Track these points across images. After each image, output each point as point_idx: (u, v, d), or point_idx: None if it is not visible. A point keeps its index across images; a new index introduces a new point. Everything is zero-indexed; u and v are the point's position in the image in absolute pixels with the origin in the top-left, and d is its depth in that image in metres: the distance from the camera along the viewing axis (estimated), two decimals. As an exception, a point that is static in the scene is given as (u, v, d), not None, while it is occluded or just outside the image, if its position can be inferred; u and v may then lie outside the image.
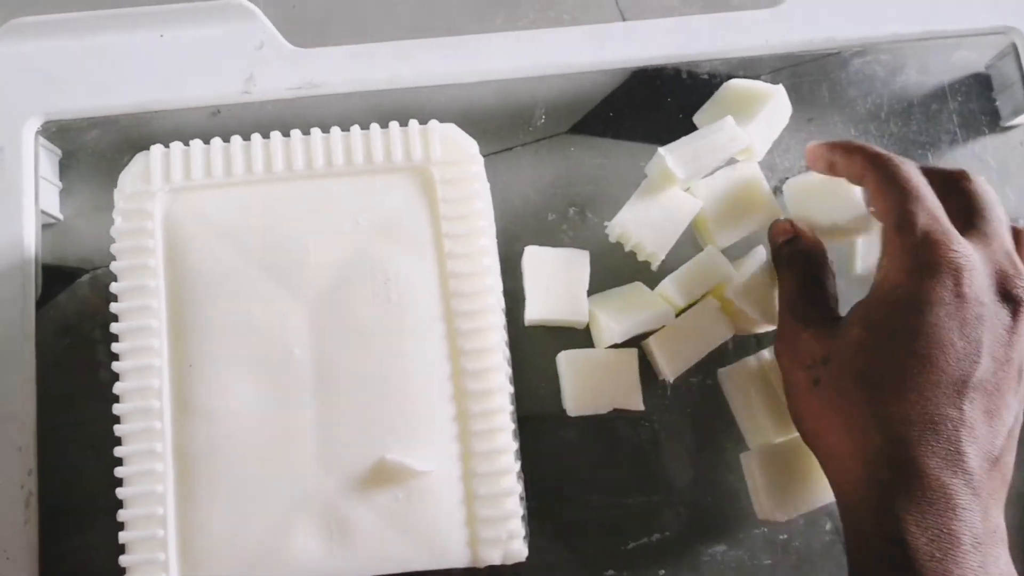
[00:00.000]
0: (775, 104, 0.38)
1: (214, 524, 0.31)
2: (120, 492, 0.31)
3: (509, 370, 0.34)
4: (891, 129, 0.41)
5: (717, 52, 0.40)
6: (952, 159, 0.41)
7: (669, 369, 0.36)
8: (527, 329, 0.38)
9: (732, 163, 0.38)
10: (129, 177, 0.33)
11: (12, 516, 0.35)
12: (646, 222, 0.37)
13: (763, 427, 0.35)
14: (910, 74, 0.41)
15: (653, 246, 0.37)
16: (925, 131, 0.41)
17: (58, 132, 0.40)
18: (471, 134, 0.35)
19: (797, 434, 0.34)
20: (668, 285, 0.36)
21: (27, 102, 0.39)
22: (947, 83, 0.42)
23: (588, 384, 0.36)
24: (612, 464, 0.37)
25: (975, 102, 0.41)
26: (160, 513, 0.31)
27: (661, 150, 0.37)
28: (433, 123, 0.34)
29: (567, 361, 0.36)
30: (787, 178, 0.40)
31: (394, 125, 0.34)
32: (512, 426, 0.33)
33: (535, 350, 0.38)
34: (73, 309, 0.39)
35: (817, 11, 0.40)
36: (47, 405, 0.37)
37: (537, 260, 0.37)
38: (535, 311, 0.36)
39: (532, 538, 0.35)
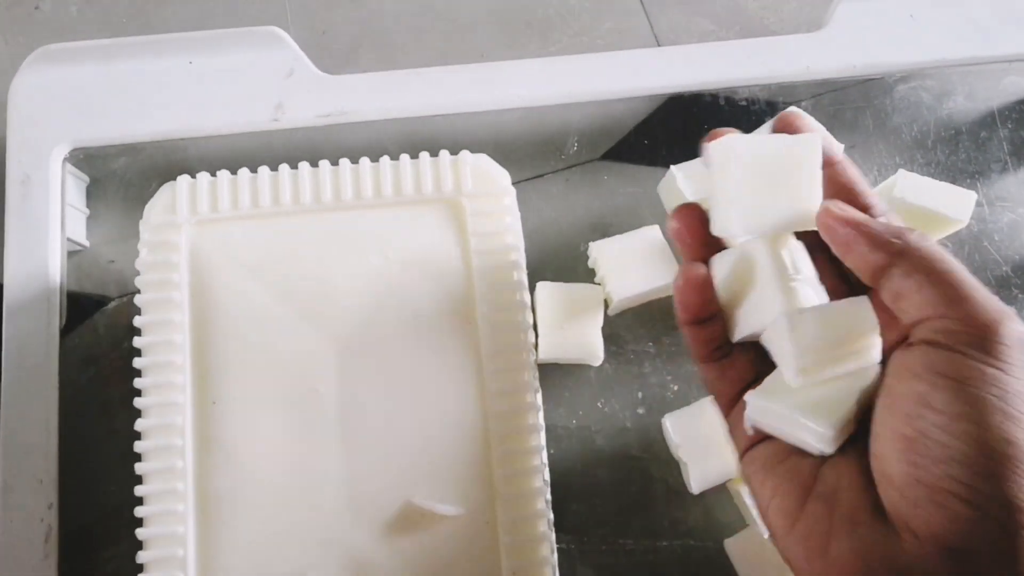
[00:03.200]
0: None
1: (236, 567, 0.30)
2: (140, 532, 0.30)
3: (540, 408, 0.33)
4: (938, 157, 0.39)
5: (756, 78, 0.39)
6: (1002, 188, 0.39)
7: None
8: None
9: None
10: (155, 208, 0.33)
11: (32, 551, 0.35)
12: (619, 260, 0.35)
13: None
14: (957, 100, 0.40)
15: (610, 286, 0.35)
16: (974, 159, 0.39)
17: (86, 159, 0.40)
18: (502, 161, 0.34)
19: None
20: None
21: (55, 129, 0.39)
22: (996, 109, 0.40)
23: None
24: (645, 506, 0.36)
25: (1027, 129, 0.40)
26: (180, 555, 0.30)
27: (673, 168, 0.36)
28: (464, 154, 0.33)
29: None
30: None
31: (424, 156, 0.33)
32: (544, 468, 0.31)
33: (564, 385, 0.37)
34: (98, 338, 0.38)
35: (860, 35, 0.39)
36: (69, 437, 0.36)
37: (550, 296, 0.36)
38: (549, 350, 0.35)
39: (563, 583, 0.34)
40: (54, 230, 0.38)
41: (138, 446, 0.31)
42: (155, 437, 0.31)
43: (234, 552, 0.30)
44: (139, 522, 0.30)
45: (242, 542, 0.30)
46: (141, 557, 0.30)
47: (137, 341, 0.32)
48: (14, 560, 0.34)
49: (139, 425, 0.31)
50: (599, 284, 0.37)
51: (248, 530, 0.30)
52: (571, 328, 0.36)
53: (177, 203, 0.33)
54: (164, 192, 0.33)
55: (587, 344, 0.36)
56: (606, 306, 0.37)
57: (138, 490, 0.30)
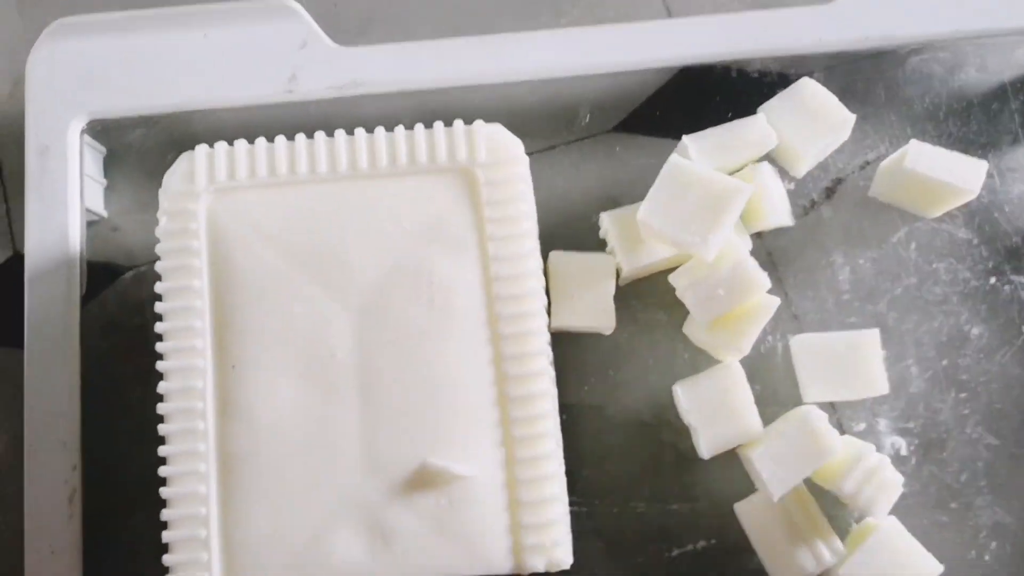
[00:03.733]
0: (840, 127, 0.37)
1: (257, 525, 0.30)
2: (164, 492, 0.31)
3: (553, 374, 0.34)
4: (950, 129, 0.39)
5: (768, 49, 0.39)
6: (1013, 159, 0.39)
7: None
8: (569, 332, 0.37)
9: (762, 161, 0.37)
10: (174, 177, 0.33)
11: (57, 512, 0.36)
12: (631, 230, 0.36)
13: (785, 562, 0.33)
14: (969, 72, 0.40)
15: (621, 255, 0.36)
16: (985, 131, 0.39)
17: (103, 131, 0.40)
18: (515, 133, 0.34)
19: (821, 569, 0.33)
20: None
21: (73, 101, 0.39)
22: (1008, 81, 0.40)
23: None
24: (656, 471, 0.36)
25: (1039, 100, 0.40)
26: (203, 513, 0.31)
27: (686, 138, 0.36)
28: (478, 123, 0.34)
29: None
30: (840, 179, 0.39)
31: (438, 125, 0.34)
32: (557, 432, 0.32)
33: (578, 353, 0.37)
34: (117, 306, 0.39)
35: (872, 7, 0.39)
36: (91, 401, 0.37)
37: (562, 266, 0.36)
38: (561, 318, 0.36)
39: (576, 544, 0.34)
40: (73, 200, 0.38)
41: (160, 408, 0.31)
42: (177, 400, 0.31)
43: (255, 510, 0.30)
44: (162, 482, 0.31)
45: (263, 500, 0.31)
46: (165, 515, 0.31)
47: (158, 307, 0.32)
48: (41, 520, 0.35)
49: (161, 388, 0.32)
50: (611, 254, 0.37)
51: (268, 489, 0.31)
52: (583, 297, 0.36)
53: (195, 172, 0.33)
54: (182, 161, 0.34)
55: (599, 313, 0.36)
56: (617, 276, 0.37)
57: (161, 450, 0.31)
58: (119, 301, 0.39)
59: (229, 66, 0.40)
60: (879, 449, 0.36)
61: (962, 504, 0.36)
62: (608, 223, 0.37)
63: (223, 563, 0.30)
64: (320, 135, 0.34)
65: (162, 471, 0.31)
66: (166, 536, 0.31)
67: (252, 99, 0.39)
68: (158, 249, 0.33)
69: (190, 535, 0.30)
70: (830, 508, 0.35)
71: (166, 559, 0.31)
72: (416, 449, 0.31)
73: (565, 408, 0.36)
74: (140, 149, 0.41)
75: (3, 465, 0.38)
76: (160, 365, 0.32)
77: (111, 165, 0.41)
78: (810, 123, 0.37)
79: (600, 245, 0.38)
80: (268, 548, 0.30)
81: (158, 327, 0.32)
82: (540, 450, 0.31)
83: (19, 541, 0.35)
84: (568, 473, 0.35)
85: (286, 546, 0.30)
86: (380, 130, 0.34)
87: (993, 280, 0.38)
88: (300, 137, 0.34)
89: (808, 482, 0.35)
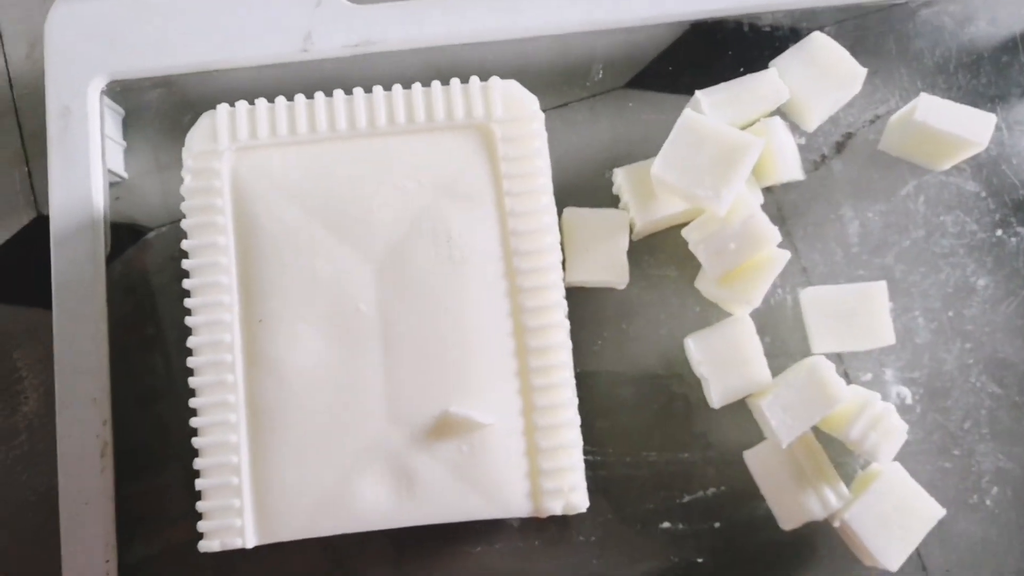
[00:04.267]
0: (851, 81, 0.37)
1: (286, 473, 0.32)
2: (196, 441, 0.32)
3: (568, 327, 0.35)
4: (959, 82, 0.40)
5: (779, 4, 0.39)
6: (1022, 112, 0.39)
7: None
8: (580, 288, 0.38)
9: (774, 116, 0.38)
10: (197, 136, 0.34)
11: (89, 465, 0.37)
12: (643, 186, 0.36)
13: (792, 507, 0.34)
14: (980, 25, 0.40)
15: (635, 211, 0.36)
16: (995, 84, 0.40)
17: (122, 92, 0.41)
18: (528, 90, 0.35)
19: (827, 514, 0.34)
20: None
21: (92, 62, 0.39)
22: (1018, 34, 0.40)
23: None
24: (668, 421, 0.37)
25: (1049, 53, 0.40)
26: (234, 462, 0.32)
27: (698, 93, 0.36)
28: (494, 79, 0.34)
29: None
30: (850, 133, 0.40)
31: (455, 82, 0.34)
32: (572, 382, 0.33)
33: (592, 308, 0.38)
34: (140, 266, 0.40)
35: (884, -41, 0.39)
36: (119, 359, 0.38)
37: (576, 222, 0.37)
38: (575, 273, 0.37)
39: (590, 491, 0.35)
40: (95, 161, 0.39)
41: (190, 362, 0.33)
42: (206, 353, 0.32)
43: (284, 458, 0.32)
44: (193, 433, 0.32)
45: (291, 448, 0.32)
46: (197, 463, 0.32)
47: (185, 264, 0.33)
48: (74, 473, 0.37)
49: (191, 342, 0.33)
50: (624, 210, 0.38)
51: (297, 438, 0.32)
52: (597, 252, 0.37)
53: (218, 131, 0.34)
54: (205, 120, 0.34)
55: (612, 268, 0.37)
56: (631, 231, 0.38)
57: (192, 402, 0.32)
58: (142, 261, 0.40)
59: (245, 26, 0.40)
60: (885, 398, 0.37)
61: (964, 451, 0.37)
62: (621, 178, 0.37)
63: (254, 508, 0.32)
64: (339, 93, 0.34)
65: (193, 422, 0.32)
66: (199, 484, 0.32)
67: (268, 58, 0.40)
68: (183, 207, 0.34)
69: (222, 482, 0.32)
70: (837, 455, 0.36)
71: (199, 505, 0.32)
72: (438, 398, 0.32)
73: (579, 361, 0.37)
74: (158, 110, 0.41)
75: (36, 422, 0.39)
76: (189, 320, 0.33)
77: (129, 127, 0.41)
78: (821, 77, 0.37)
79: (613, 201, 0.39)
80: (297, 493, 0.32)
81: (186, 283, 0.33)
82: (557, 399, 0.32)
83: (54, 494, 0.36)
84: (582, 424, 0.36)
85: (314, 491, 0.32)
86: (398, 87, 0.34)
87: (999, 232, 0.39)
88: (319, 95, 0.34)
89: (815, 430, 0.36)
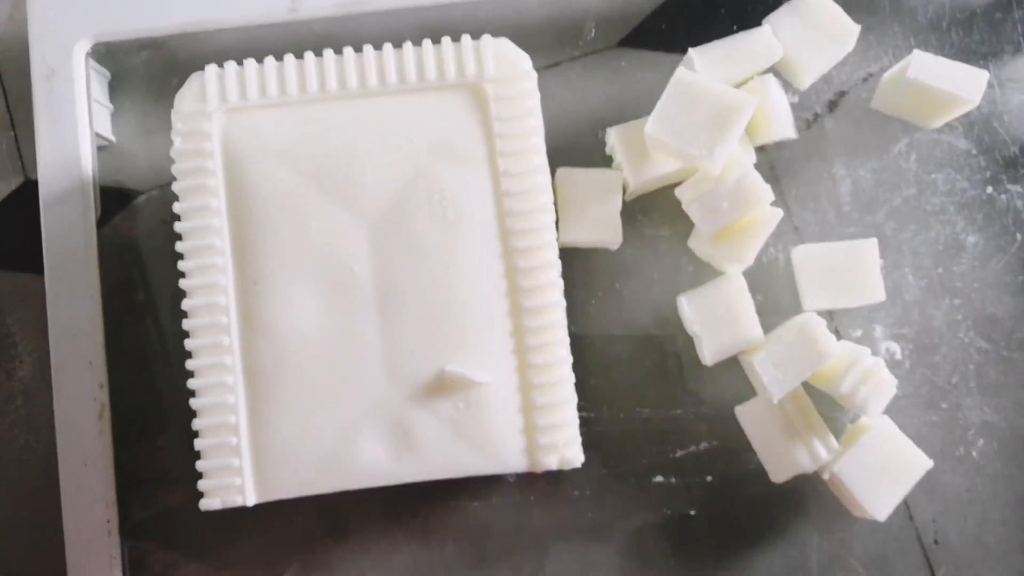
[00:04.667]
0: (845, 38, 0.37)
1: (284, 432, 0.32)
2: (194, 403, 0.32)
3: (562, 286, 0.35)
4: (952, 39, 0.40)
5: (773, -41, 0.39)
6: (1014, 69, 0.39)
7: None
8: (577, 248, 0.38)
9: (767, 73, 0.38)
10: (186, 97, 0.33)
11: (87, 428, 0.37)
12: (636, 145, 0.36)
13: (783, 461, 0.35)
14: (974, -20, 0.40)
15: (628, 170, 0.36)
16: (988, 41, 0.40)
17: (107, 54, 0.40)
18: (520, 49, 0.34)
19: (817, 466, 0.34)
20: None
21: (77, 24, 0.39)
22: (1012, -11, 0.40)
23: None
24: (661, 378, 0.38)
25: (1042, 9, 0.40)
26: (232, 422, 0.32)
27: (691, 51, 0.36)
28: (486, 38, 0.34)
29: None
30: (843, 91, 0.40)
31: (446, 41, 0.34)
32: (567, 340, 0.33)
33: (586, 268, 0.38)
34: (131, 229, 0.40)
35: (878, -86, 0.39)
36: (113, 322, 0.38)
37: (569, 182, 0.37)
38: (569, 234, 0.37)
39: (584, 447, 0.36)
40: (83, 124, 0.38)
41: (185, 324, 0.33)
42: (201, 316, 0.32)
43: (282, 418, 0.32)
44: (191, 393, 0.33)
45: (289, 409, 0.32)
46: (195, 424, 0.32)
47: (177, 226, 0.33)
48: (72, 436, 0.37)
49: (185, 305, 0.33)
50: (617, 170, 0.38)
51: (294, 398, 0.32)
52: (590, 213, 0.37)
53: (207, 92, 0.33)
54: (193, 81, 0.34)
55: (606, 228, 0.37)
56: (624, 191, 0.38)
57: (188, 364, 0.32)
58: (132, 225, 0.40)
59: (231, -15, 0.39)
60: (874, 354, 0.38)
61: (952, 404, 0.38)
62: (614, 138, 0.37)
63: (253, 467, 0.32)
64: (329, 53, 0.34)
65: (191, 383, 0.32)
66: (198, 444, 0.32)
67: (256, 18, 0.39)
68: (174, 170, 0.33)
69: (221, 442, 0.32)
70: (827, 410, 0.37)
71: (199, 464, 0.32)
72: (434, 357, 0.32)
73: (573, 321, 0.37)
74: (144, 73, 0.41)
75: (33, 386, 0.39)
76: (183, 283, 0.33)
77: (116, 90, 0.41)
78: (815, 34, 0.37)
79: (606, 161, 0.39)
80: (296, 453, 0.32)
81: (178, 246, 0.33)
82: (552, 357, 0.32)
83: (52, 458, 0.37)
84: (577, 381, 0.36)
85: (313, 450, 0.32)
86: (388, 47, 0.34)
87: (990, 190, 0.39)
88: (309, 55, 0.34)
89: (806, 386, 0.36)
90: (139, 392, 0.38)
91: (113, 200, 0.40)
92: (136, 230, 0.40)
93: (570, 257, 0.38)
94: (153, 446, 0.38)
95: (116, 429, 0.37)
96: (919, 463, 0.35)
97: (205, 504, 0.32)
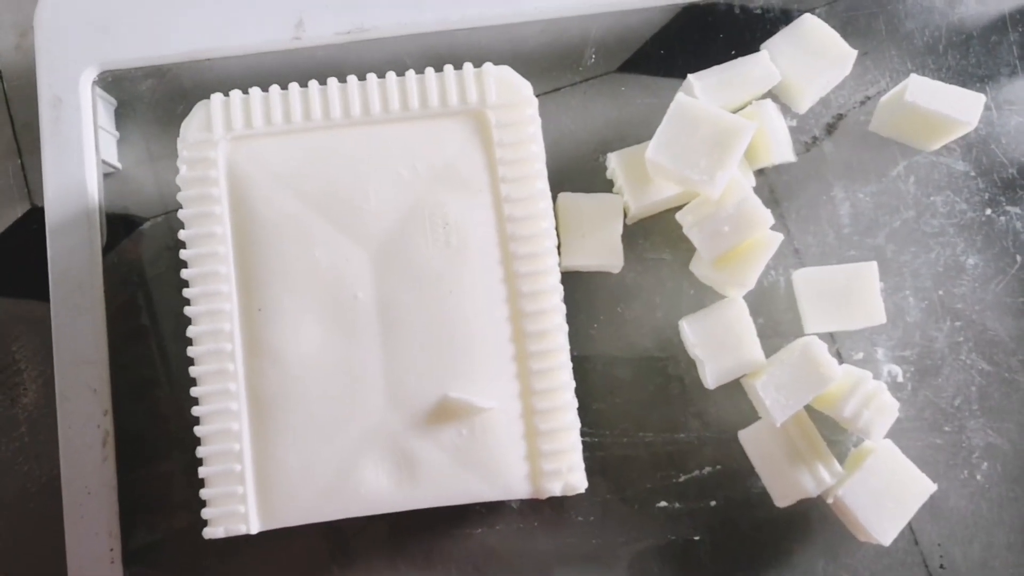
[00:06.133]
0: (842, 62, 0.37)
1: (288, 459, 0.32)
2: (198, 430, 0.32)
3: (564, 311, 0.35)
4: (949, 63, 0.40)
5: (770, -14, 0.39)
6: (1011, 92, 0.40)
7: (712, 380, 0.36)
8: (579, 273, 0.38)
9: (766, 98, 0.38)
10: (191, 126, 0.34)
11: (91, 454, 0.37)
12: (637, 170, 0.36)
13: (787, 485, 0.35)
14: (969, 4, 0.40)
15: (629, 195, 0.37)
16: (984, 64, 0.40)
17: (113, 82, 0.40)
18: (521, 75, 0.35)
19: (821, 490, 0.34)
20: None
21: (83, 53, 0.39)
22: (1007, 13, 0.40)
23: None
24: (664, 402, 0.38)
25: (1037, 33, 0.40)
26: (236, 449, 0.32)
27: (691, 77, 0.37)
28: (488, 66, 0.34)
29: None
30: (841, 115, 0.40)
31: (449, 68, 0.34)
32: (569, 365, 0.33)
33: (588, 292, 0.38)
34: (136, 256, 0.40)
35: (874, -60, 0.39)
36: (118, 349, 0.38)
37: (571, 207, 0.37)
38: (571, 258, 0.37)
39: (587, 472, 0.36)
40: (89, 151, 0.39)
41: (191, 351, 0.33)
42: (206, 342, 0.33)
43: (286, 445, 0.32)
44: (195, 421, 0.33)
45: (293, 436, 0.32)
46: (200, 451, 0.32)
47: (183, 253, 0.33)
48: (76, 463, 0.37)
49: (190, 332, 0.33)
50: (618, 194, 0.38)
51: (298, 425, 0.32)
52: (592, 237, 0.37)
53: (212, 120, 0.34)
54: (199, 110, 0.34)
55: (607, 252, 0.37)
56: (625, 215, 0.38)
57: (193, 391, 0.33)
58: (138, 251, 0.40)
59: (236, 14, 0.40)
60: (876, 377, 0.38)
61: (955, 427, 0.38)
62: (615, 163, 0.38)
63: (257, 495, 0.32)
64: (332, 81, 0.34)
65: (195, 411, 0.33)
66: (202, 471, 0.32)
67: (260, 46, 0.40)
68: (179, 197, 0.34)
69: (225, 470, 0.32)
70: (830, 433, 0.37)
71: (203, 493, 0.32)
72: (437, 384, 0.32)
73: (576, 345, 0.37)
74: (150, 100, 0.41)
75: (37, 413, 0.40)
76: (188, 310, 0.33)
77: (122, 117, 0.41)
78: (812, 59, 0.37)
79: (607, 186, 0.39)
80: (299, 480, 0.32)
81: (184, 273, 0.33)
82: (555, 382, 0.32)
83: (55, 485, 0.37)
84: (580, 406, 0.36)
85: (316, 478, 0.32)
86: (391, 75, 0.34)
87: (989, 211, 0.39)
88: (313, 83, 0.34)
89: (809, 409, 0.36)
90: (143, 419, 0.38)
91: (119, 226, 0.40)
92: (141, 256, 0.40)
93: (572, 281, 0.38)
94: (157, 473, 0.38)
95: (120, 456, 0.37)
96: (923, 487, 0.35)
97: (209, 533, 0.32)
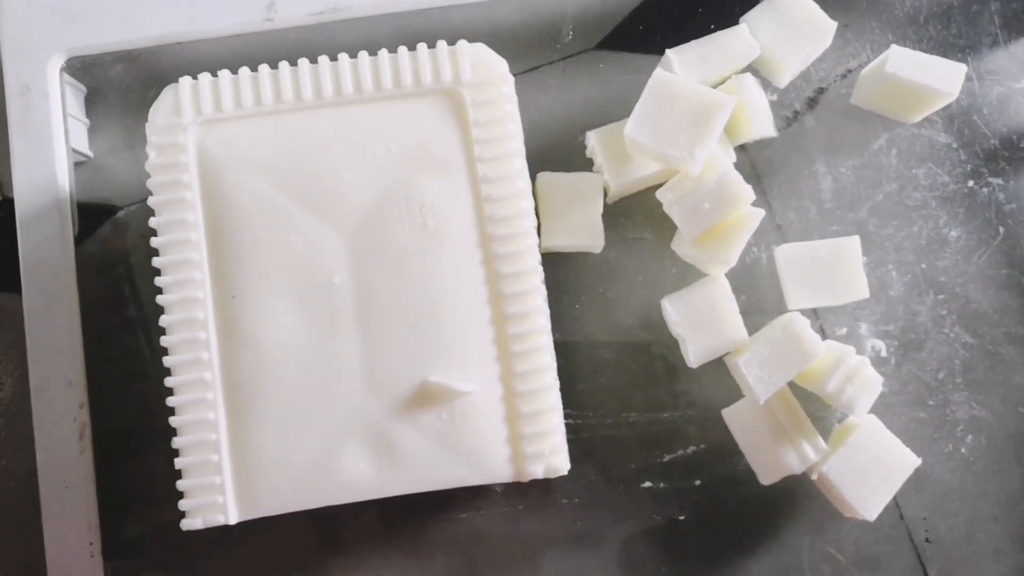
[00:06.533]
0: (822, 35, 0.37)
1: (266, 448, 0.32)
2: (173, 420, 0.32)
3: (545, 293, 0.35)
4: (930, 33, 0.40)
5: (748, -42, 0.39)
6: (993, 61, 0.39)
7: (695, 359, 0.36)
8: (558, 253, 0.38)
9: (745, 72, 0.38)
10: (160, 110, 0.33)
11: (68, 448, 0.37)
12: (617, 148, 0.36)
13: (771, 462, 0.35)
14: (950, -26, 0.40)
15: (609, 173, 0.36)
16: (965, 34, 0.39)
17: (82, 68, 0.40)
18: (497, 54, 0.34)
19: (805, 467, 0.34)
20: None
21: (50, 39, 0.38)
22: (989, -18, 0.40)
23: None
24: (647, 382, 0.38)
25: (1018, 1, 0.40)
26: (213, 439, 0.32)
27: (669, 52, 0.36)
28: (462, 43, 0.34)
29: None
30: (822, 88, 0.39)
31: (422, 47, 0.34)
32: (551, 346, 0.33)
33: (569, 273, 0.38)
34: (110, 246, 0.39)
35: (853, -90, 0.39)
36: (93, 341, 0.38)
37: (550, 186, 0.37)
38: (551, 238, 0.37)
39: (571, 453, 0.36)
40: (58, 140, 0.38)
41: (164, 340, 0.32)
42: (180, 331, 0.32)
43: (264, 433, 0.32)
44: (171, 411, 0.32)
45: (271, 424, 0.32)
46: (176, 442, 0.32)
47: (154, 241, 0.33)
48: (53, 457, 0.36)
49: (163, 321, 0.32)
50: (598, 173, 0.38)
51: (275, 413, 0.32)
52: (572, 217, 0.37)
53: (181, 104, 0.33)
54: (167, 94, 0.33)
55: (588, 232, 0.37)
56: (605, 194, 0.38)
57: (168, 381, 0.32)
58: (115, 240, 0.39)
59: (205, -4, 0.39)
60: (860, 352, 0.37)
61: (939, 401, 0.37)
62: (594, 141, 0.37)
63: (235, 484, 0.32)
64: (304, 62, 0.34)
65: (170, 401, 0.32)
66: (179, 463, 0.32)
67: (231, 29, 0.39)
68: (149, 184, 0.33)
69: (202, 460, 0.32)
70: (814, 409, 0.37)
71: (180, 484, 0.32)
72: (416, 368, 0.32)
73: (558, 326, 0.37)
74: (120, 86, 0.40)
75: (13, 407, 0.39)
76: (161, 299, 0.32)
77: (92, 104, 0.40)
78: (792, 32, 0.37)
79: (588, 165, 0.39)
80: (278, 468, 0.32)
81: (156, 261, 0.33)
82: (536, 364, 0.32)
83: (34, 480, 0.36)
84: (563, 388, 0.36)
85: (295, 466, 0.32)
86: (363, 54, 0.34)
87: (971, 183, 0.39)
88: (284, 65, 0.34)
89: (792, 386, 0.36)
90: (122, 411, 0.38)
91: (93, 216, 0.39)
92: (117, 246, 0.39)
93: (553, 262, 0.38)
94: (137, 465, 0.37)
95: (99, 449, 0.37)
96: (908, 461, 0.35)
97: (187, 524, 0.31)
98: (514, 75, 0.34)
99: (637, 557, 0.37)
